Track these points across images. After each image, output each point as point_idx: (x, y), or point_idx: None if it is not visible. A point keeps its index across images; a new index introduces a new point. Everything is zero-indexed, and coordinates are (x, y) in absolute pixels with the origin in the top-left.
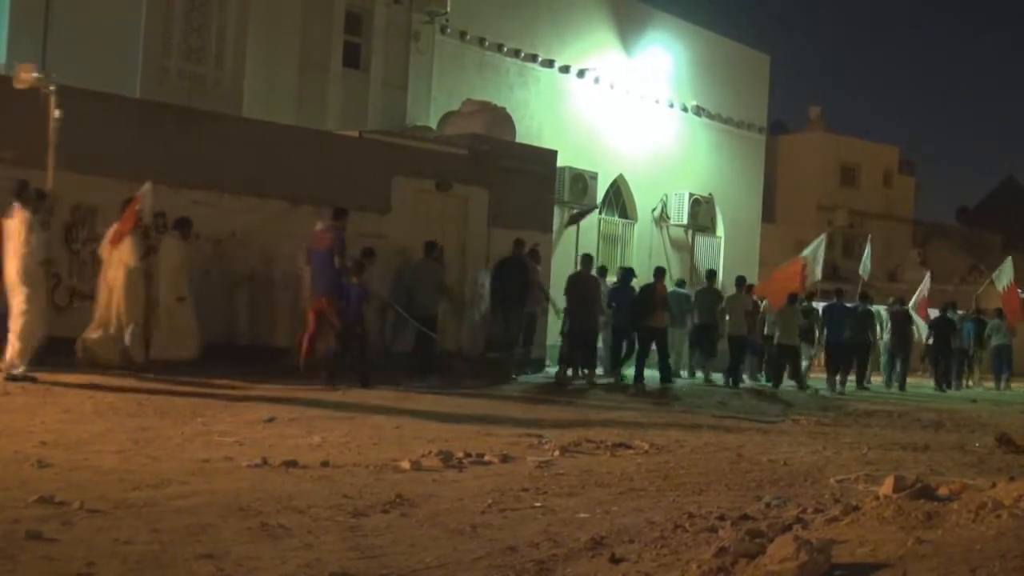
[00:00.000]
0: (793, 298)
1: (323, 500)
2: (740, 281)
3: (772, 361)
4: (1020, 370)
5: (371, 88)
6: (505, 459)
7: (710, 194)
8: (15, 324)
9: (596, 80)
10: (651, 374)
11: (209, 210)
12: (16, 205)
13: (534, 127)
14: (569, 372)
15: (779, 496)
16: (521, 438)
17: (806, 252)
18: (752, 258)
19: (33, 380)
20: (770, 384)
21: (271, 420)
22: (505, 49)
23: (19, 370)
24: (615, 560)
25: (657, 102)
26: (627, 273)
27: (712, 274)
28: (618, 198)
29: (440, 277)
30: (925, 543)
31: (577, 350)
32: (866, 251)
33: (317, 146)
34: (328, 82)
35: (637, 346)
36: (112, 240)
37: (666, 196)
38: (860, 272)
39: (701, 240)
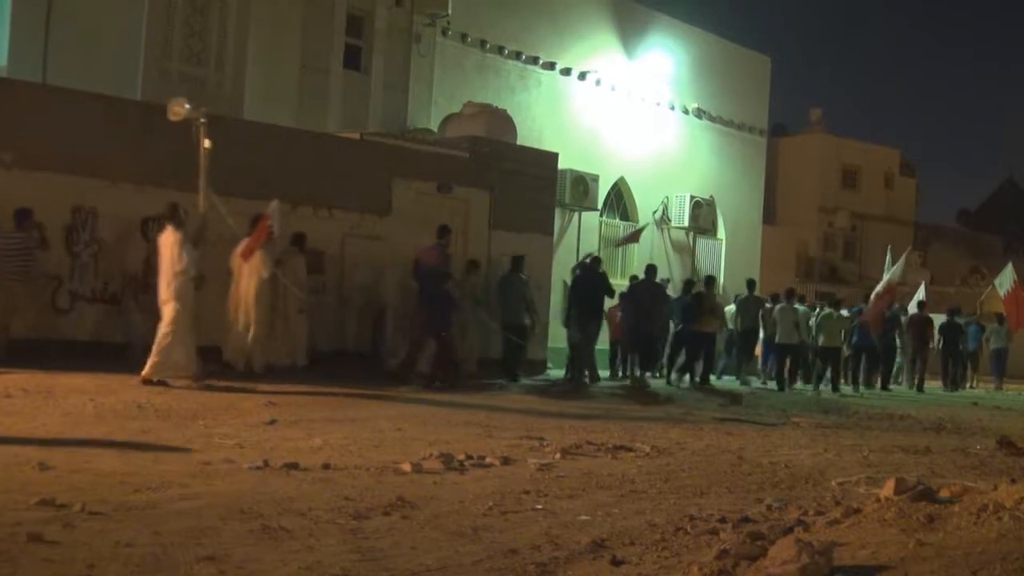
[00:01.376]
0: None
1: (324, 502)
2: (790, 292)
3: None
4: (1015, 372)
5: (372, 90)
6: (506, 461)
7: (711, 196)
8: (160, 336)
9: (597, 82)
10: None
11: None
12: (169, 226)
13: (535, 129)
14: (639, 374)
15: (780, 498)
16: (522, 440)
17: (891, 276)
18: (753, 260)
19: (164, 385)
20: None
21: (272, 422)
22: (506, 51)
23: (152, 375)
24: (616, 562)
25: (658, 104)
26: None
27: (752, 283)
28: (619, 200)
29: (527, 290)
30: (926, 545)
31: (637, 352)
32: (889, 258)
33: (318, 148)
34: (329, 84)
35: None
36: (243, 253)
37: (667, 198)
38: (889, 279)
39: (702, 242)
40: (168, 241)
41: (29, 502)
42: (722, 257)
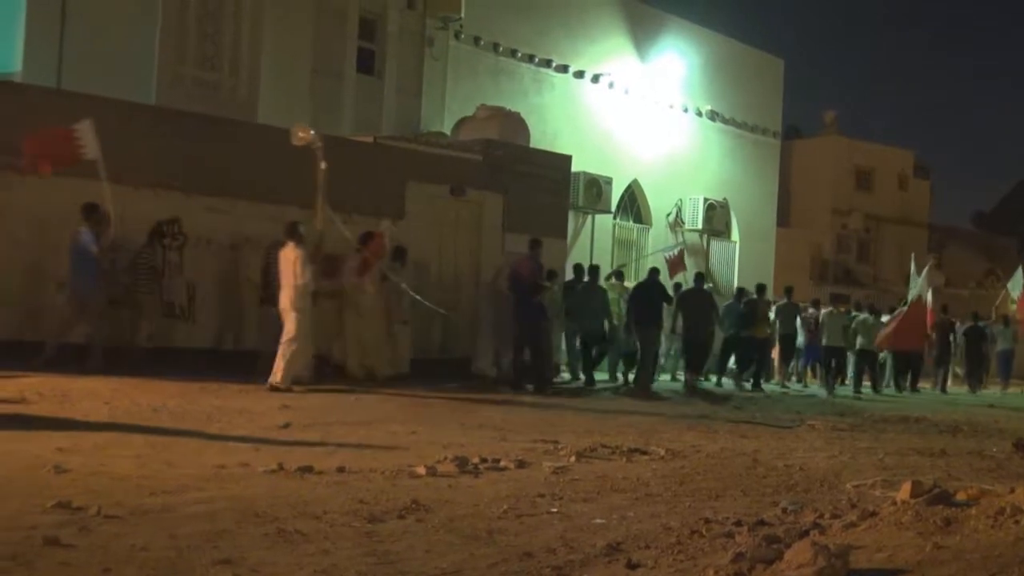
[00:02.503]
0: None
1: (339, 506)
2: (836, 299)
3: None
4: (1019, 373)
5: (385, 94)
6: (521, 465)
7: (725, 198)
8: (284, 345)
9: (610, 85)
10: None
11: (224, 216)
12: (290, 243)
13: (548, 132)
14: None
15: (796, 501)
16: (536, 444)
17: (917, 291)
18: (767, 262)
19: (290, 391)
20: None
21: (287, 426)
22: (519, 54)
23: (280, 383)
24: (632, 566)
25: (671, 107)
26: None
27: (790, 290)
28: (633, 203)
29: (605, 302)
30: (943, 549)
31: (692, 357)
32: (914, 267)
33: (332, 152)
34: (342, 88)
35: (737, 354)
36: (359, 271)
37: (681, 201)
38: (919, 294)
39: (716, 245)
40: (289, 257)
41: (45, 505)
42: (736, 259)
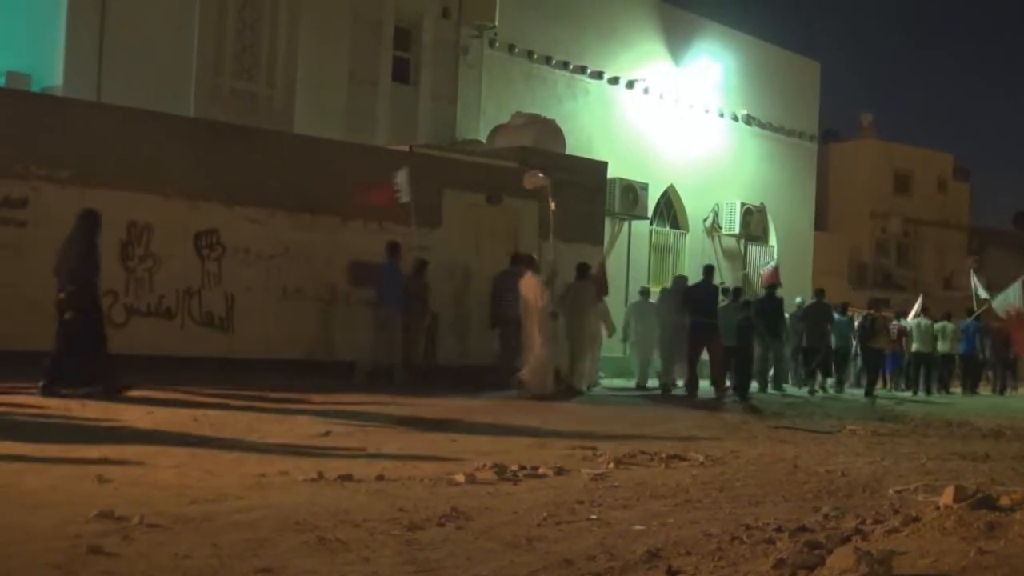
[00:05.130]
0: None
1: (379, 514)
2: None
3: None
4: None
5: (420, 102)
6: (560, 472)
7: (762, 203)
8: (532, 361)
9: (645, 91)
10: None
11: (261, 227)
12: (528, 272)
13: (584, 139)
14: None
15: (837, 507)
16: (575, 450)
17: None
18: (805, 267)
19: (535, 399)
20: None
21: (327, 434)
22: (553, 61)
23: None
24: (672, 572)
25: (707, 111)
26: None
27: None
28: (669, 208)
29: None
30: (987, 554)
31: (812, 366)
32: (975, 278)
33: (368, 161)
34: (378, 97)
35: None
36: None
37: (717, 206)
38: (979, 296)
39: (753, 249)
40: (531, 284)
41: (88, 515)
42: (774, 264)
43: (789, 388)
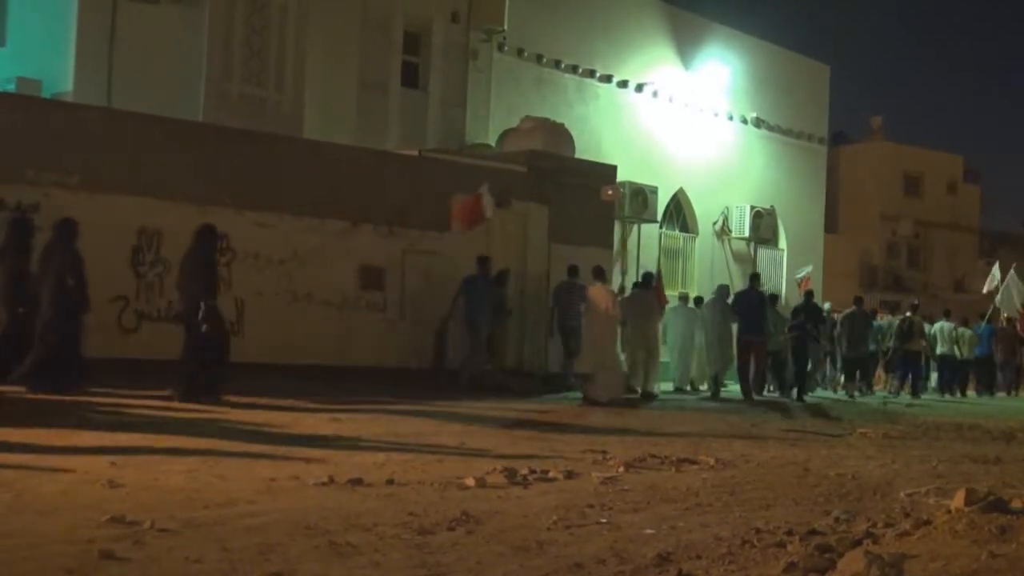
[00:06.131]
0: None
1: (389, 518)
2: (914, 306)
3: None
4: None
5: (430, 107)
6: (570, 475)
7: (772, 206)
8: (606, 367)
9: (654, 94)
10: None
11: (271, 231)
12: (598, 282)
13: (593, 142)
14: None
15: (848, 510)
16: (585, 454)
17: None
18: (816, 270)
19: (604, 404)
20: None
21: (336, 439)
22: (563, 65)
23: (603, 399)
24: None
25: (716, 115)
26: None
27: (916, 306)
28: (679, 212)
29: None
30: (999, 557)
31: (853, 371)
32: (998, 276)
33: (377, 165)
34: (387, 102)
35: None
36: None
37: (727, 209)
38: (998, 303)
39: (763, 252)
40: (601, 294)
41: (100, 519)
42: (784, 267)
43: (822, 392)
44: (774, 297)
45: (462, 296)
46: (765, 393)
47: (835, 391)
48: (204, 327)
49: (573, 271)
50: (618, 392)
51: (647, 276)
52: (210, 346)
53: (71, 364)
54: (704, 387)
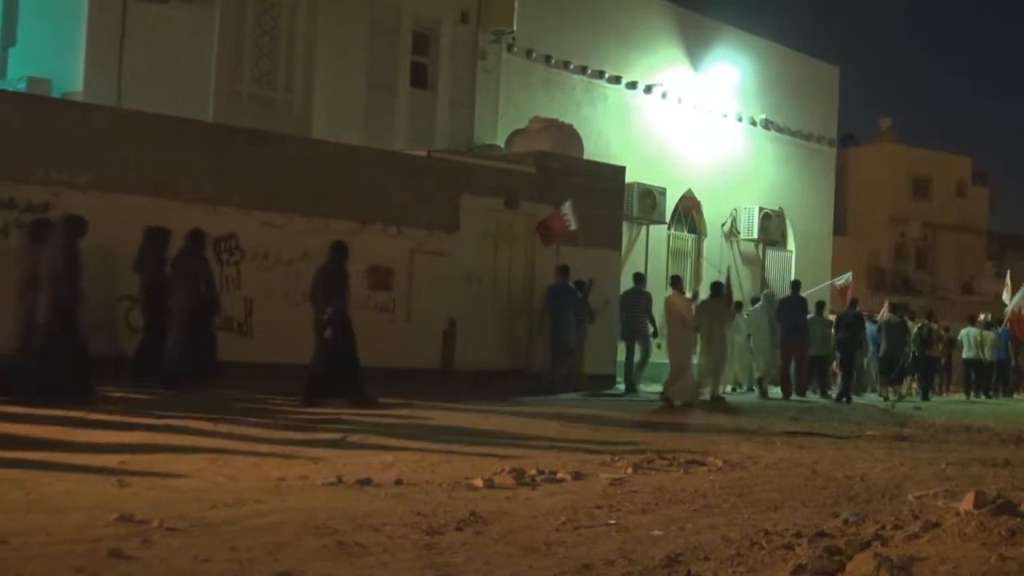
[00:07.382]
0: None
1: (397, 518)
2: (929, 314)
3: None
4: None
5: (438, 107)
6: (578, 476)
7: (780, 208)
8: (675, 369)
9: (663, 95)
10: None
11: (280, 231)
12: (675, 291)
13: (602, 143)
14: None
15: (856, 512)
16: (593, 455)
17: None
18: (824, 272)
19: (675, 408)
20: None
21: (344, 439)
22: (572, 66)
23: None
24: None
25: (725, 116)
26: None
27: (931, 314)
28: (687, 213)
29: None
30: (1008, 560)
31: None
32: (1009, 285)
33: (385, 166)
34: (396, 102)
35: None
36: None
37: (736, 210)
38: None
39: (772, 254)
40: (680, 302)
41: (109, 518)
42: (792, 269)
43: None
44: (820, 304)
45: (549, 306)
46: (808, 395)
47: (886, 397)
48: (328, 332)
49: (639, 279)
50: (690, 396)
51: (717, 285)
52: (344, 351)
53: (209, 364)
54: (743, 387)
